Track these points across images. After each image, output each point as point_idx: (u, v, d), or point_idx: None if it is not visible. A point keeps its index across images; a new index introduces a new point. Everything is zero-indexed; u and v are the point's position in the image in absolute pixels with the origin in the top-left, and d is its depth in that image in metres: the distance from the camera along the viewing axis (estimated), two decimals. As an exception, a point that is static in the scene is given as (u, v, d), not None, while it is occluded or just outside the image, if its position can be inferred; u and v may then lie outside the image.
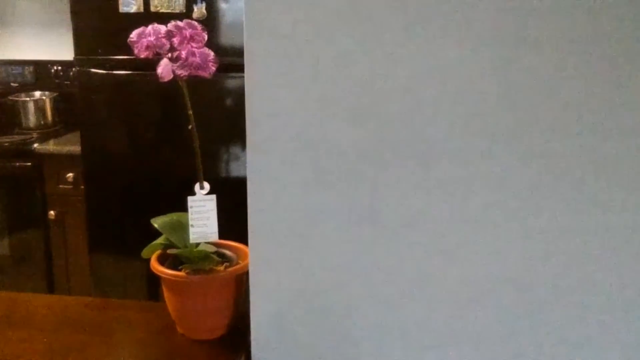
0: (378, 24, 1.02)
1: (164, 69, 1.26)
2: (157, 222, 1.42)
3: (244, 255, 1.35)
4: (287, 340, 1.28)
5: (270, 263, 1.23)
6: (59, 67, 3.08)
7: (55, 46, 3.14)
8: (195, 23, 1.23)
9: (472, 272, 1.08)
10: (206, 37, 1.23)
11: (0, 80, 3.16)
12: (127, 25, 2.21)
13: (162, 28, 1.19)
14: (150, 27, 1.19)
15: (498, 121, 1.02)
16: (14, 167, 2.62)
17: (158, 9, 2.16)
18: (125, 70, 2.29)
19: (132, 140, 2.35)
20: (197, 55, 1.21)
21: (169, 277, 1.29)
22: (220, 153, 2.35)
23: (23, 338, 1.30)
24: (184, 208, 2.42)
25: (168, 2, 2.14)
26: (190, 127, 1.33)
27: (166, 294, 1.34)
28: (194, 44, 1.21)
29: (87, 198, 2.41)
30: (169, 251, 1.29)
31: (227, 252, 1.38)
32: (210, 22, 2.17)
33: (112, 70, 2.29)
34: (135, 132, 2.35)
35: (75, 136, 2.82)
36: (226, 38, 2.21)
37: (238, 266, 1.31)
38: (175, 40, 1.19)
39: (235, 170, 2.36)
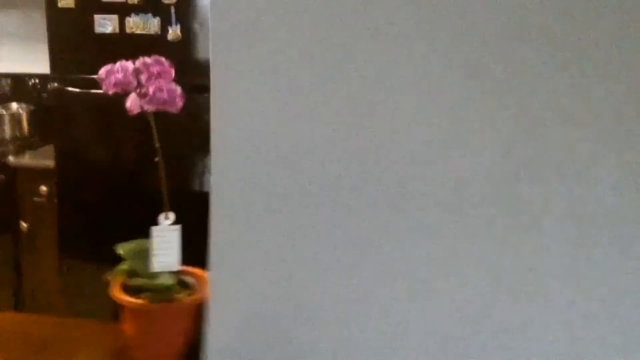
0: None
1: (132, 103, 1.30)
2: (122, 249, 1.45)
3: (205, 282, 1.39)
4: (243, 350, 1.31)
5: (228, 292, 1.25)
6: (36, 80, 3.09)
7: (32, 59, 3.14)
8: (163, 60, 1.27)
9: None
10: (173, 74, 1.27)
11: (-24, 92, 3.17)
12: (102, 46, 2.27)
13: (130, 66, 1.23)
14: (118, 64, 1.23)
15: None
16: (-14, 180, 2.63)
17: (133, 30, 2.19)
18: (97, 88, 2.32)
19: (106, 157, 2.38)
20: (165, 91, 1.25)
21: (130, 304, 1.33)
22: (194, 168, 2.38)
23: None
24: (147, 224, 2.44)
25: (143, 24, 2.17)
26: (156, 159, 1.37)
27: (124, 319, 1.37)
28: (161, 80, 1.25)
29: (59, 212, 2.43)
30: (131, 281, 1.32)
31: (189, 278, 1.42)
32: (184, 43, 2.21)
33: (87, 88, 2.32)
34: (109, 150, 2.38)
35: (52, 149, 2.84)
36: (200, 58, 2.24)
37: (197, 295, 1.35)
38: (143, 77, 1.22)
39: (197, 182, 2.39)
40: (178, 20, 2.17)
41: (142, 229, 2.38)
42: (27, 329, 1.47)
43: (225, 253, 1.22)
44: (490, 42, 0.93)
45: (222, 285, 1.24)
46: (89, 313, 2.43)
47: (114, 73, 1.22)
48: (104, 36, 2.23)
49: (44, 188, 2.61)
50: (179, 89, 1.28)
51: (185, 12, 2.19)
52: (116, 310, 2.44)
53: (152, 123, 1.32)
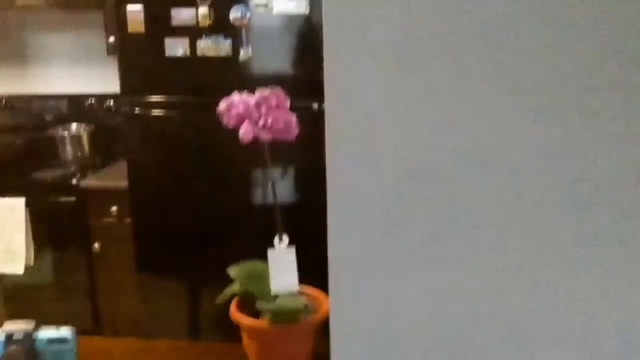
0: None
1: (246, 131, 1.34)
2: (233, 272, 1.49)
3: (319, 302, 1.43)
4: None
5: (351, 311, 1.29)
6: (92, 101, 3.14)
7: (88, 80, 3.20)
8: (279, 91, 1.30)
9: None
10: (289, 104, 1.31)
11: (35, 114, 3.21)
12: (173, 68, 2.31)
13: (250, 100, 1.26)
14: (237, 97, 1.27)
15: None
16: (59, 203, 2.68)
17: (205, 53, 2.23)
18: (169, 110, 2.37)
19: (174, 178, 2.42)
20: (281, 122, 1.29)
21: (251, 326, 1.37)
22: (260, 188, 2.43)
23: None
24: (230, 245, 2.51)
25: (215, 46, 2.21)
26: (270, 183, 1.41)
27: (245, 340, 1.41)
28: (278, 111, 1.29)
29: (135, 235, 2.48)
30: (257, 306, 1.36)
31: (304, 298, 1.45)
32: (255, 63, 2.25)
33: (157, 109, 2.37)
34: (178, 170, 2.42)
35: (114, 169, 2.88)
36: (272, 76, 2.28)
37: (318, 316, 1.38)
38: (263, 109, 1.26)
39: (265, 197, 2.43)
40: (249, 41, 2.21)
41: (217, 247, 2.43)
42: (150, 355, 1.52)
43: (343, 272, 1.25)
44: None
45: (342, 305, 1.27)
46: (170, 333, 2.50)
47: (234, 106, 1.26)
48: (174, 59, 2.27)
49: (114, 208, 2.66)
50: (293, 119, 1.32)
51: (256, 33, 2.23)
52: (195, 328, 2.51)
53: (267, 150, 1.36)
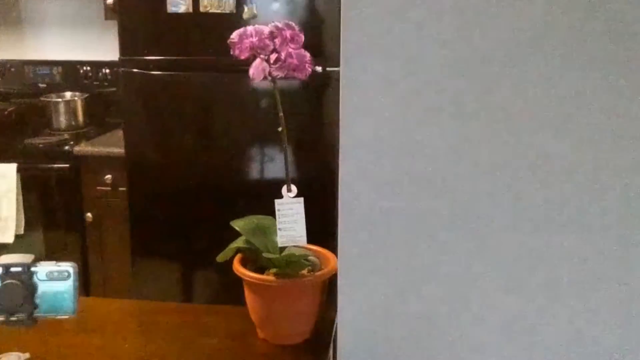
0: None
1: (257, 69, 1.24)
2: (238, 225, 1.40)
3: (326, 260, 1.34)
4: (374, 346, 1.26)
5: (359, 268, 1.21)
6: (88, 68, 3.04)
7: (83, 47, 3.11)
8: (293, 24, 1.21)
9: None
10: (303, 38, 1.21)
11: (28, 81, 3.11)
12: (175, 26, 2.21)
13: (265, 29, 1.17)
14: (251, 28, 1.18)
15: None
16: (52, 170, 2.58)
17: (207, 9, 2.13)
18: (171, 71, 2.27)
19: (175, 142, 2.32)
20: (294, 56, 1.20)
21: (256, 281, 1.28)
22: (262, 152, 2.34)
23: (99, 345, 1.28)
24: (229, 211, 2.40)
25: (218, 2, 2.12)
26: (280, 129, 1.31)
27: (249, 298, 1.32)
28: (292, 45, 1.19)
29: (130, 200, 2.38)
30: (264, 255, 1.27)
31: (311, 256, 1.37)
32: (261, 22, 2.14)
33: (157, 70, 2.27)
34: (179, 134, 2.32)
35: (108, 137, 2.79)
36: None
37: (324, 271, 1.30)
38: (277, 41, 1.17)
39: (272, 170, 2.34)
40: (254, -3, 2.12)
41: (217, 214, 2.33)
42: (140, 315, 1.43)
43: (355, 231, 1.18)
44: None
45: (351, 268, 1.20)
46: (161, 295, 2.40)
47: (247, 37, 1.16)
48: (176, 15, 2.17)
49: (108, 176, 2.56)
50: (307, 54, 1.22)
51: (262, -12, 2.14)
52: (189, 298, 2.41)
53: (276, 92, 1.26)
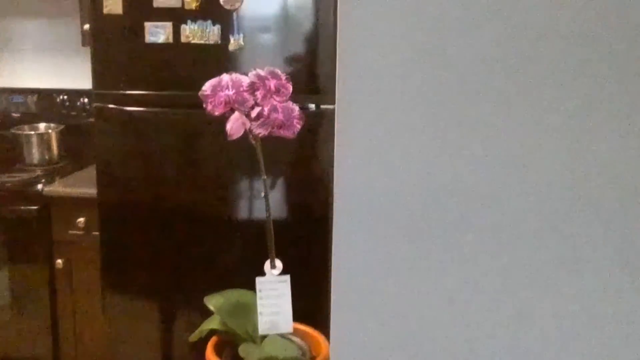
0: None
1: (235, 124, 1.03)
2: (212, 303, 1.20)
3: (317, 345, 1.13)
4: None
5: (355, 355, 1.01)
6: (65, 97, 2.82)
7: (59, 74, 2.89)
8: (279, 72, 1.00)
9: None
10: (291, 89, 1.01)
11: (0, 110, 2.89)
12: (153, 57, 2.00)
13: (244, 80, 0.96)
14: (227, 78, 0.97)
15: None
16: (19, 211, 2.35)
17: (190, 39, 1.92)
18: (149, 107, 2.05)
19: (153, 183, 2.10)
20: (280, 111, 0.99)
21: None
22: (245, 192, 2.12)
23: None
24: (209, 256, 2.18)
25: (201, 32, 1.91)
26: (263, 194, 1.10)
27: None
28: (277, 98, 0.98)
29: (102, 245, 2.15)
30: (240, 353, 1.05)
31: (296, 339, 1.15)
32: (247, 53, 1.94)
33: (134, 106, 2.05)
34: (157, 175, 2.10)
35: (84, 174, 2.56)
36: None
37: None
38: (259, 94, 0.96)
39: (257, 209, 2.12)
40: (240, 28, 1.90)
41: (201, 268, 2.12)
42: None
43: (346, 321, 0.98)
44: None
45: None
46: (134, 352, 2.17)
47: (222, 89, 0.95)
48: (155, 46, 1.96)
49: (81, 219, 2.33)
50: (296, 108, 1.01)
51: (249, 19, 1.92)
52: (163, 353, 2.18)
53: (259, 150, 1.05)
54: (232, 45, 1.91)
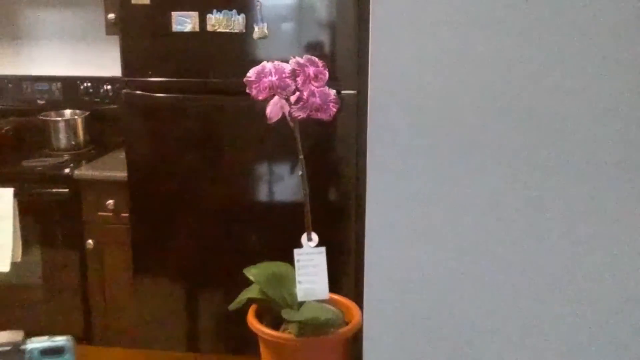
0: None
1: (274, 108, 1.13)
2: (251, 273, 1.29)
3: (349, 313, 1.23)
4: None
5: (387, 322, 1.12)
6: (88, 84, 2.94)
7: (83, 62, 3.03)
8: (317, 60, 1.09)
9: None
10: (327, 76, 1.10)
11: (26, 97, 3.02)
12: (180, 45, 2.10)
13: (286, 67, 1.05)
14: (270, 65, 1.06)
15: None
16: (50, 194, 2.48)
17: (215, 28, 2.02)
18: (176, 93, 2.16)
19: (180, 166, 2.23)
20: (318, 95, 1.08)
21: (274, 339, 1.17)
22: (269, 174, 2.24)
23: None
24: (236, 235, 2.29)
25: (226, 21, 2.01)
26: (300, 174, 1.20)
27: (265, 354, 1.22)
28: (315, 84, 1.08)
29: (132, 226, 2.27)
30: (283, 315, 1.16)
31: (331, 307, 1.25)
32: (271, 42, 2.04)
33: (161, 92, 2.16)
34: (183, 158, 2.22)
35: (110, 159, 2.69)
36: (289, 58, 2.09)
37: (348, 327, 1.19)
38: (299, 80, 1.05)
39: (280, 192, 2.24)
40: (265, 17, 2.00)
41: (227, 242, 2.23)
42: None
43: (382, 282, 1.09)
44: None
45: (377, 322, 1.10)
46: (167, 343, 2.29)
47: (266, 75, 1.05)
48: (182, 35, 2.06)
49: (110, 201, 2.45)
50: (332, 93, 1.10)
51: (273, 7, 2.02)
52: (193, 328, 2.30)
53: (297, 132, 1.15)
54: (257, 33, 2.01)
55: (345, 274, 2.09)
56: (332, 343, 1.19)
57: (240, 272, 2.21)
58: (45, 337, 0.86)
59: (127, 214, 2.37)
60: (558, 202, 1.01)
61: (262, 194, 2.24)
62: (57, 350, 0.85)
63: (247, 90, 1.10)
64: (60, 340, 0.86)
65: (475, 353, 1.08)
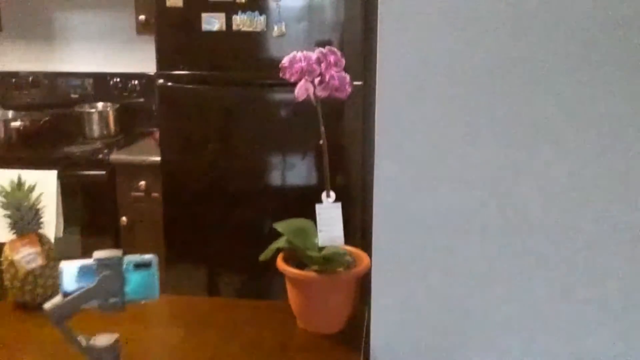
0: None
1: (301, 89, 1.40)
2: (280, 227, 1.54)
3: (360, 259, 1.49)
4: (405, 337, 1.42)
5: (391, 265, 1.36)
6: (117, 79, 3.21)
7: (113, 60, 3.28)
8: (336, 50, 1.37)
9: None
10: (344, 63, 1.38)
11: (60, 92, 3.28)
12: (208, 43, 2.38)
13: (312, 55, 1.33)
14: (300, 54, 1.34)
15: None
16: (89, 176, 2.74)
17: (240, 27, 2.30)
18: (204, 84, 2.44)
19: (207, 150, 2.49)
20: (336, 78, 1.36)
21: (298, 276, 1.42)
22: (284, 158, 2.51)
23: (157, 334, 1.46)
24: (259, 213, 2.55)
25: (249, 21, 2.29)
26: (321, 142, 1.47)
27: (291, 291, 1.46)
28: (335, 69, 1.36)
29: (164, 204, 2.53)
30: (308, 253, 1.42)
31: (346, 255, 1.52)
32: (289, 39, 2.32)
33: (192, 84, 2.44)
34: (210, 143, 2.49)
35: (139, 146, 2.96)
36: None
37: (359, 268, 1.44)
38: (323, 65, 1.33)
39: (295, 175, 2.52)
40: (282, 18, 2.29)
41: (251, 220, 2.48)
42: (195, 309, 1.58)
43: (388, 227, 1.34)
44: None
45: (384, 265, 1.36)
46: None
47: (297, 62, 1.32)
48: (210, 33, 2.34)
49: (142, 183, 2.73)
50: (347, 77, 1.38)
51: (290, 9, 2.30)
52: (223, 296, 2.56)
53: (319, 108, 1.42)
54: (276, 32, 2.29)
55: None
56: (347, 279, 1.43)
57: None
58: (137, 255, 1.14)
59: (157, 194, 2.64)
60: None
61: (279, 171, 2.51)
62: (146, 264, 1.12)
63: (281, 75, 1.37)
64: (148, 256, 1.13)
65: (476, 283, 1.32)
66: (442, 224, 1.30)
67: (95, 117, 3.06)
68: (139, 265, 1.10)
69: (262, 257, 1.52)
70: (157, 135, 2.85)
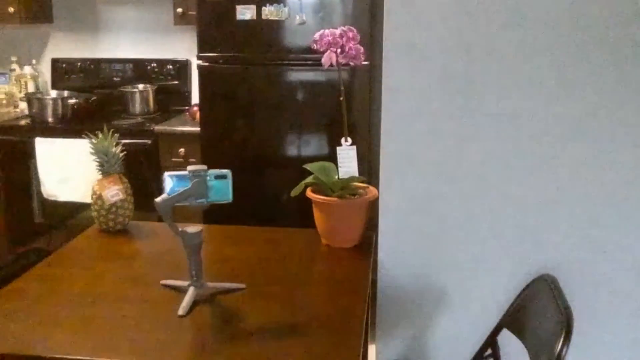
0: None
1: (326, 58, 1.84)
2: (309, 166, 1.94)
3: (369, 190, 1.91)
4: (405, 244, 1.86)
5: (395, 188, 1.81)
6: (154, 65, 3.64)
7: (153, 47, 3.68)
8: (354, 28, 1.82)
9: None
10: (359, 38, 1.83)
11: (104, 76, 3.71)
12: (241, 29, 2.83)
13: (336, 31, 1.78)
14: (328, 31, 1.78)
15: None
16: (136, 144, 3.16)
17: (268, 16, 2.74)
18: (237, 64, 2.85)
19: (241, 121, 2.90)
20: (354, 49, 1.81)
21: (323, 201, 1.83)
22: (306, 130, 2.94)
23: (216, 249, 1.87)
24: (282, 176, 2.96)
25: (276, 11, 2.74)
26: (341, 98, 1.90)
27: (317, 215, 1.85)
28: (353, 42, 1.80)
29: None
30: (334, 181, 1.86)
31: (360, 189, 1.95)
32: (308, 26, 2.77)
33: (227, 64, 2.86)
34: (243, 115, 2.90)
35: (175, 120, 3.37)
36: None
37: (369, 195, 1.87)
38: (344, 39, 1.78)
39: (312, 146, 2.93)
40: (303, 8, 2.74)
41: (275, 180, 2.89)
42: (246, 234, 1.99)
43: (393, 160, 1.78)
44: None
45: (390, 184, 1.80)
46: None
47: (325, 36, 1.77)
48: (243, 22, 2.79)
49: (181, 150, 3.16)
50: (362, 48, 1.83)
51: (308, 2, 2.74)
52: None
53: (340, 73, 1.86)
54: (298, 20, 2.74)
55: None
56: (360, 203, 1.82)
57: (281, 208, 2.80)
58: (217, 169, 1.54)
59: (194, 159, 3.08)
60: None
61: (297, 141, 2.90)
62: (224, 176, 1.54)
63: (312, 46, 1.82)
64: (225, 171, 1.55)
65: (465, 210, 1.73)
66: (440, 171, 1.74)
67: (137, 96, 3.48)
68: (218, 177, 1.50)
69: (294, 192, 1.90)
70: (192, 110, 3.29)
